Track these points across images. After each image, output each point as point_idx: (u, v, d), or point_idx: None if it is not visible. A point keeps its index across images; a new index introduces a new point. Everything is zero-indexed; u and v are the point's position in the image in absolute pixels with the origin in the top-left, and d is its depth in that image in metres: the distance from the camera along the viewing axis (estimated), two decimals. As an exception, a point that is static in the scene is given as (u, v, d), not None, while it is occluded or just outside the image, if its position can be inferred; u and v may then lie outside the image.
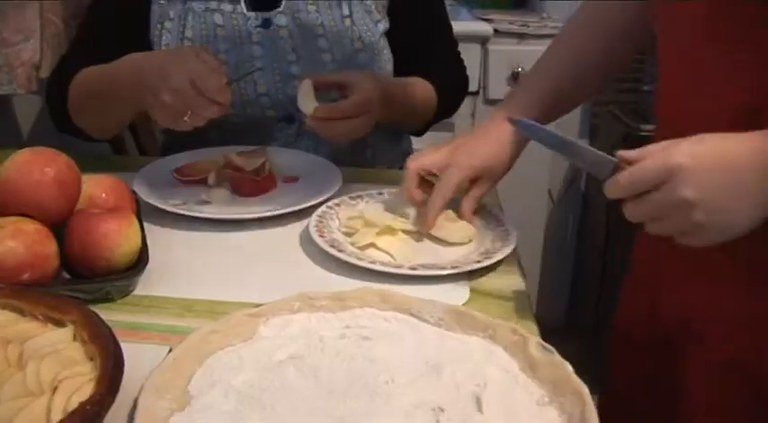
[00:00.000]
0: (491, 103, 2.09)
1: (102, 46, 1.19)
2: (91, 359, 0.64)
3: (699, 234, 0.67)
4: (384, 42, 1.30)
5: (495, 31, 2.10)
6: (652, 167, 0.66)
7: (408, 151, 1.45)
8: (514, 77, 2.07)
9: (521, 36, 2.10)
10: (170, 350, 0.71)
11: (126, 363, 0.63)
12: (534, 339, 0.71)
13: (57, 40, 1.50)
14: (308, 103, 1.10)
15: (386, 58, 1.30)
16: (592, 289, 2.29)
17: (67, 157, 0.85)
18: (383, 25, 1.29)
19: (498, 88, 2.08)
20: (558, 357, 0.68)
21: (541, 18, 2.19)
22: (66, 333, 0.67)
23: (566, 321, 2.49)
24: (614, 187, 0.69)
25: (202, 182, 1.12)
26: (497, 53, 2.08)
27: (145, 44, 1.23)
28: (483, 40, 2.09)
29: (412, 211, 0.99)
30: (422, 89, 1.29)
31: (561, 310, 2.49)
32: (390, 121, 1.25)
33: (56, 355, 0.64)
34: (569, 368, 0.67)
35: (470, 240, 0.97)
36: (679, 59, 0.81)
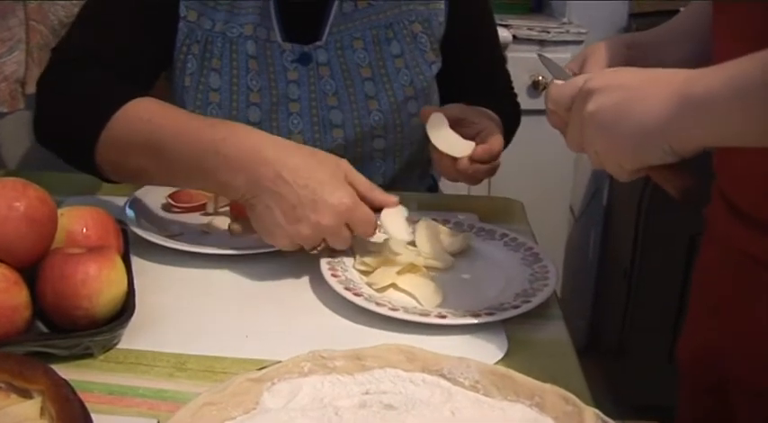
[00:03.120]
0: (511, 114, 1.96)
1: (115, 49, 1.00)
2: (59, 443, 0.53)
3: (605, 161, 0.67)
4: (434, 86, 1.16)
5: (514, 37, 1.98)
6: (570, 84, 0.70)
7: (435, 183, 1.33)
8: (535, 86, 1.95)
9: (541, 42, 1.97)
10: (156, 424, 0.60)
11: (103, 443, 0.53)
12: (591, 410, 0.59)
13: (44, 52, 1.35)
14: (456, 142, 0.96)
15: (434, 104, 1.17)
16: (616, 309, 2.17)
17: (40, 188, 0.73)
18: (436, 67, 1.13)
19: (519, 98, 1.96)
20: (621, 435, 0.57)
21: (562, 23, 2.07)
22: (32, 406, 0.57)
23: (588, 343, 2.37)
24: (547, 97, 0.74)
25: (201, 209, 1.00)
26: (517, 61, 1.94)
27: (166, 62, 1.08)
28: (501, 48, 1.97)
29: (426, 244, 0.89)
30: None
31: (583, 332, 2.37)
32: None
33: (17, 437, 0.53)
34: (637, 450, 0.55)
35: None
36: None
